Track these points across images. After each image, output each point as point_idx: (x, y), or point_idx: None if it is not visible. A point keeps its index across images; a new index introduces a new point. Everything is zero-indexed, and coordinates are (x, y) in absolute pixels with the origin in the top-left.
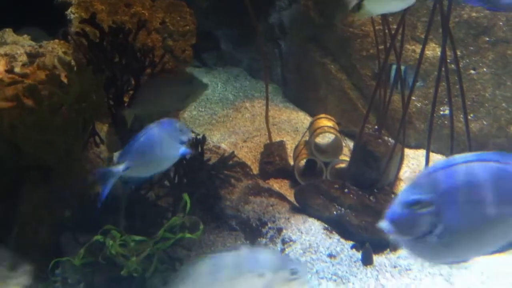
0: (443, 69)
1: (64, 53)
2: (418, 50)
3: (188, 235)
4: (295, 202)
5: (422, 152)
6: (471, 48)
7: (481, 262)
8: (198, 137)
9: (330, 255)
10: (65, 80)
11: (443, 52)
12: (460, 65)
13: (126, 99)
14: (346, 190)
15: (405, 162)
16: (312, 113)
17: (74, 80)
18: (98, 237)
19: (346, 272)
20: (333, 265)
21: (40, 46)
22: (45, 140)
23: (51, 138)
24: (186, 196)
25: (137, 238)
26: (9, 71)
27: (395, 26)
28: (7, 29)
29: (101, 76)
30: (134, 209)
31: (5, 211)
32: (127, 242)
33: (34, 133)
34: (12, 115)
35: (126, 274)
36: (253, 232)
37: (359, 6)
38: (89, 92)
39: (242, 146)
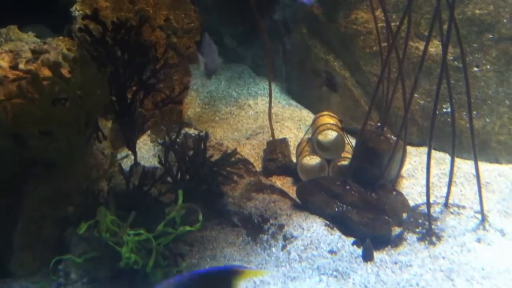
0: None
1: (69, 49)
2: (421, 47)
3: (188, 228)
4: (297, 199)
5: (424, 150)
6: (475, 45)
7: (482, 258)
8: (201, 134)
9: (331, 251)
10: (68, 75)
11: (445, 49)
12: None
13: (129, 95)
14: (347, 187)
15: (408, 159)
16: (315, 110)
17: (76, 71)
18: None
19: (347, 268)
20: (334, 261)
21: (45, 43)
22: (46, 132)
23: (53, 130)
24: (180, 192)
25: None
26: (14, 67)
27: (398, 23)
28: (12, 26)
29: (105, 71)
30: (137, 205)
31: (9, 206)
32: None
33: (36, 125)
34: (16, 107)
35: (124, 265)
36: (255, 228)
37: None
38: (93, 85)
39: (245, 143)
